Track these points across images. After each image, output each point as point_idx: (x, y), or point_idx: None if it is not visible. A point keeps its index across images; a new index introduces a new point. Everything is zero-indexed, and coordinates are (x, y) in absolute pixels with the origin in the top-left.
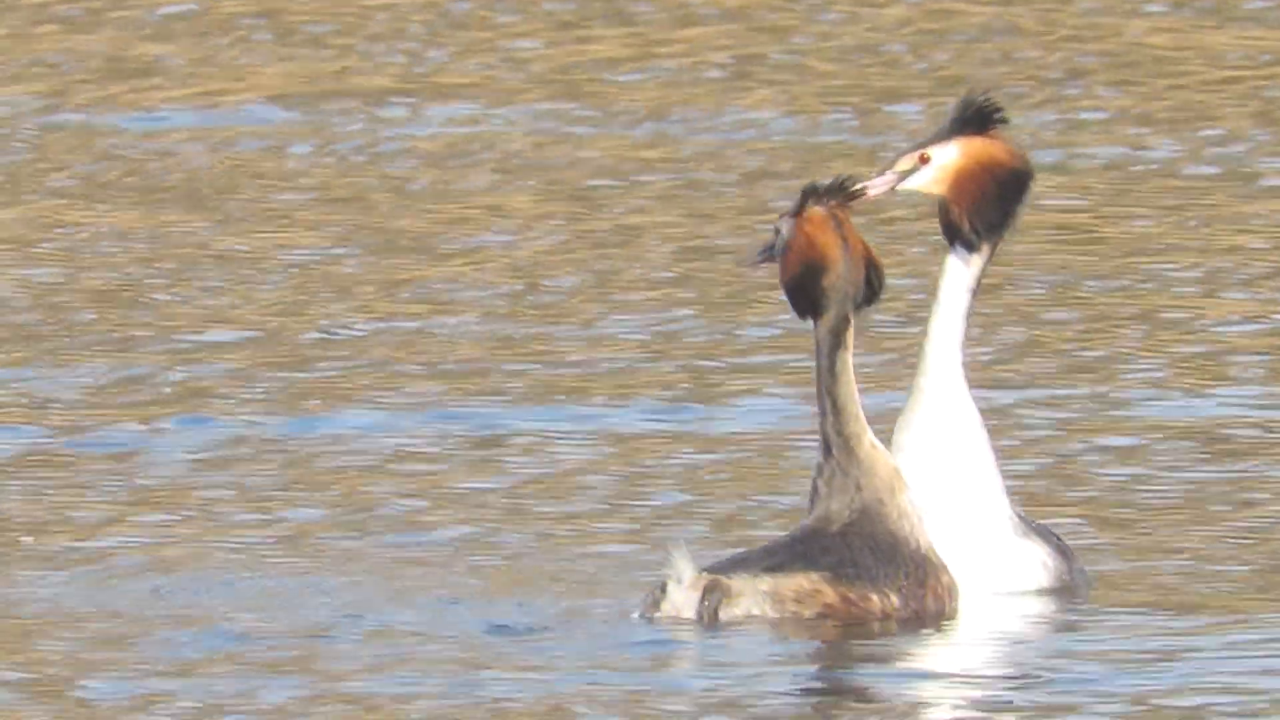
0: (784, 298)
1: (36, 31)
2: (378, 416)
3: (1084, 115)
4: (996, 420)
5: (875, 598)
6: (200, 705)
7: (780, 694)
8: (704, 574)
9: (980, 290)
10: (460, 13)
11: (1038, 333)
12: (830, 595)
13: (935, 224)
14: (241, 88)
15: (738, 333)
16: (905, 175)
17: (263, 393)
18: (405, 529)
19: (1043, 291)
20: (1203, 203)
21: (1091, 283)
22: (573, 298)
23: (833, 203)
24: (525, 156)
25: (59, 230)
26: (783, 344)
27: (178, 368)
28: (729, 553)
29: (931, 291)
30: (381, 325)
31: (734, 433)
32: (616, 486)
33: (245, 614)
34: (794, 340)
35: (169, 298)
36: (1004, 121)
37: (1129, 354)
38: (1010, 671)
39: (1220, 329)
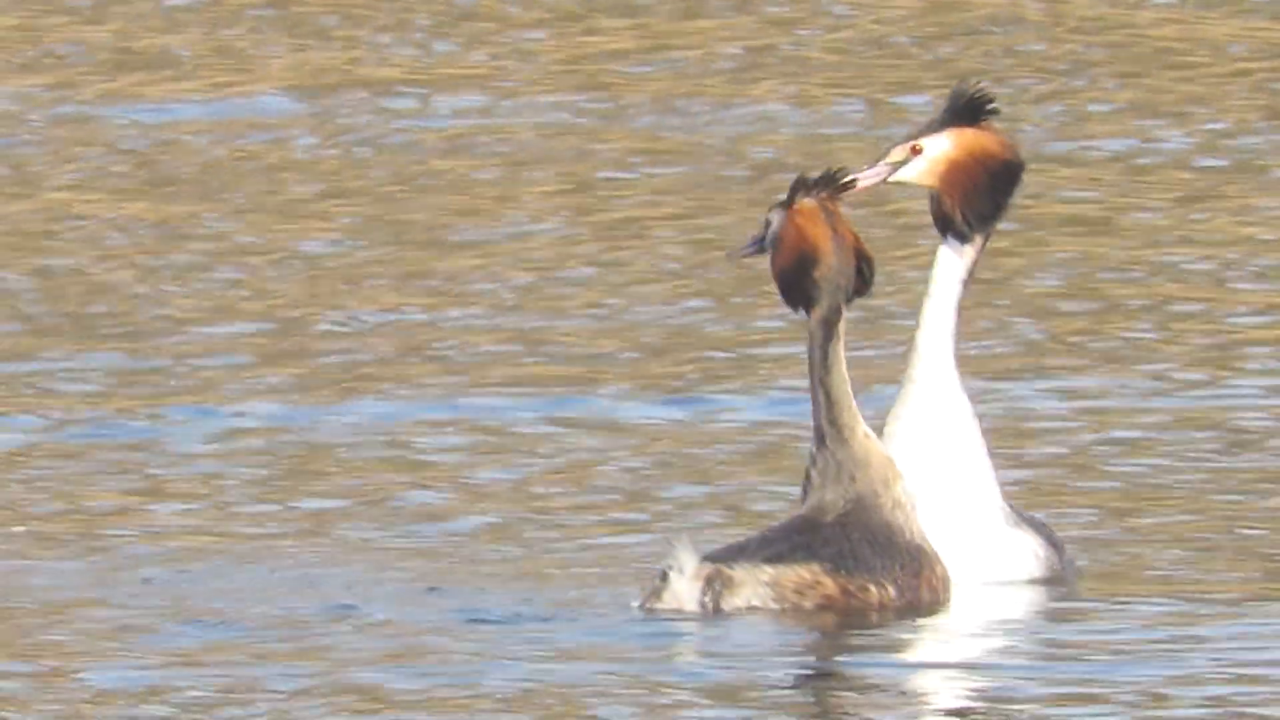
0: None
1: (45, 23)
2: (389, 407)
3: (1091, 108)
4: (1009, 411)
5: (873, 589)
6: (206, 694)
7: (778, 684)
8: (705, 564)
9: (972, 281)
10: (468, 4)
11: (1049, 324)
12: (830, 587)
13: None
14: (251, 79)
15: (748, 324)
16: (897, 166)
17: (273, 384)
18: (415, 519)
19: (1055, 283)
20: (1213, 195)
21: (1103, 274)
22: (583, 289)
23: (823, 194)
24: (534, 148)
25: (69, 221)
26: (792, 335)
27: (188, 358)
28: (726, 541)
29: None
30: (392, 316)
31: (746, 423)
32: (628, 477)
33: (253, 604)
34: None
35: (179, 289)
36: (995, 113)
37: (1140, 345)
38: (1014, 661)
39: (1231, 320)
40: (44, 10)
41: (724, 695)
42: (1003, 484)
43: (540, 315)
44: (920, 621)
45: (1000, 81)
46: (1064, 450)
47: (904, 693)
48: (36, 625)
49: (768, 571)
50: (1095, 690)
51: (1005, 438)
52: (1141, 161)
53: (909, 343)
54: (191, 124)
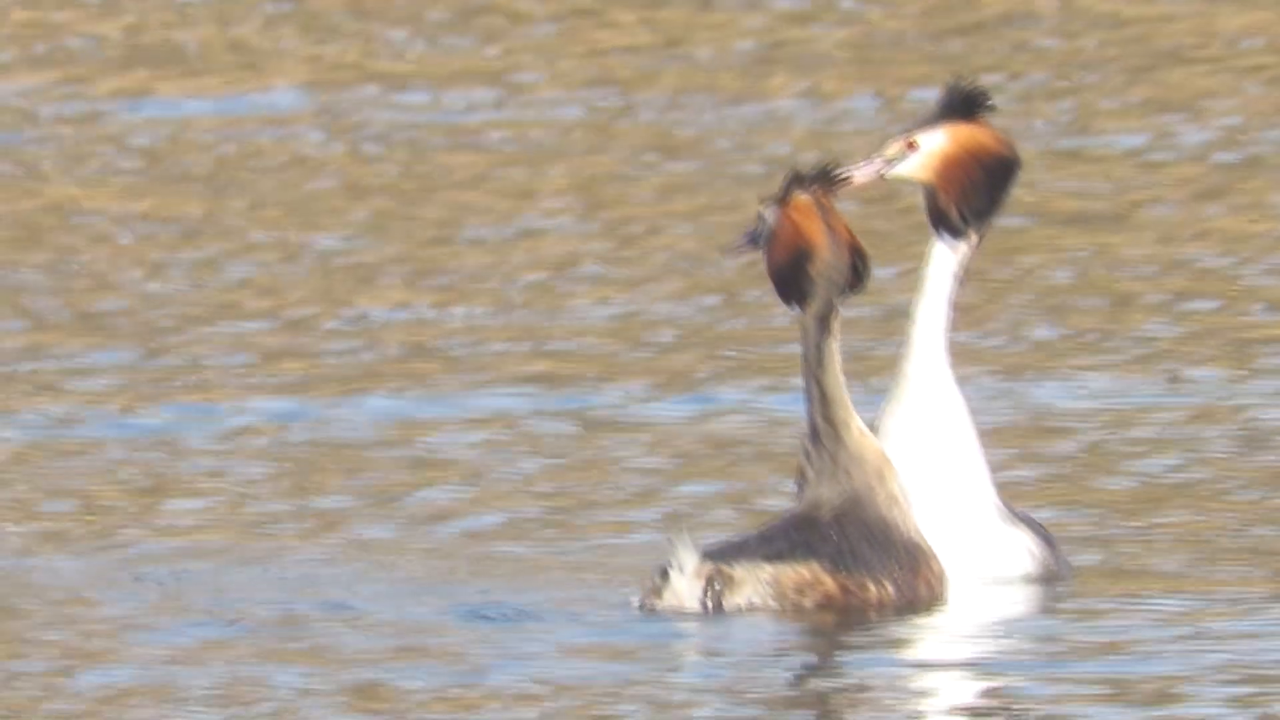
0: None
1: (57, 18)
2: (398, 405)
3: (1105, 103)
4: (1023, 408)
5: (872, 587)
6: (210, 693)
7: (778, 683)
8: (706, 563)
9: (966, 277)
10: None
11: (1063, 320)
12: (830, 585)
13: None
14: (263, 75)
15: (762, 320)
16: (892, 162)
17: (283, 381)
18: (423, 517)
19: (1069, 279)
20: (1228, 190)
21: (1117, 270)
22: (595, 285)
23: (817, 189)
24: (547, 144)
25: (79, 218)
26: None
27: (199, 355)
28: (723, 538)
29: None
30: (402, 314)
31: (759, 420)
32: (640, 474)
33: (259, 602)
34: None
35: (189, 285)
36: (991, 109)
37: (1155, 342)
38: (1019, 659)
39: (1247, 317)
40: (56, 5)
41: (723, 694)
42: (1016, 480)
43: (552, 312)
44: (922, 619)
45: (1016, 77)
46: (1078, 447)
47: (906, 691)
48: (44, 622)
49: (768, 570)
50: (1105, 689)
51: (1019, 434)
52: (1156, 157)
53: (903, 338)
54: (203, 120)
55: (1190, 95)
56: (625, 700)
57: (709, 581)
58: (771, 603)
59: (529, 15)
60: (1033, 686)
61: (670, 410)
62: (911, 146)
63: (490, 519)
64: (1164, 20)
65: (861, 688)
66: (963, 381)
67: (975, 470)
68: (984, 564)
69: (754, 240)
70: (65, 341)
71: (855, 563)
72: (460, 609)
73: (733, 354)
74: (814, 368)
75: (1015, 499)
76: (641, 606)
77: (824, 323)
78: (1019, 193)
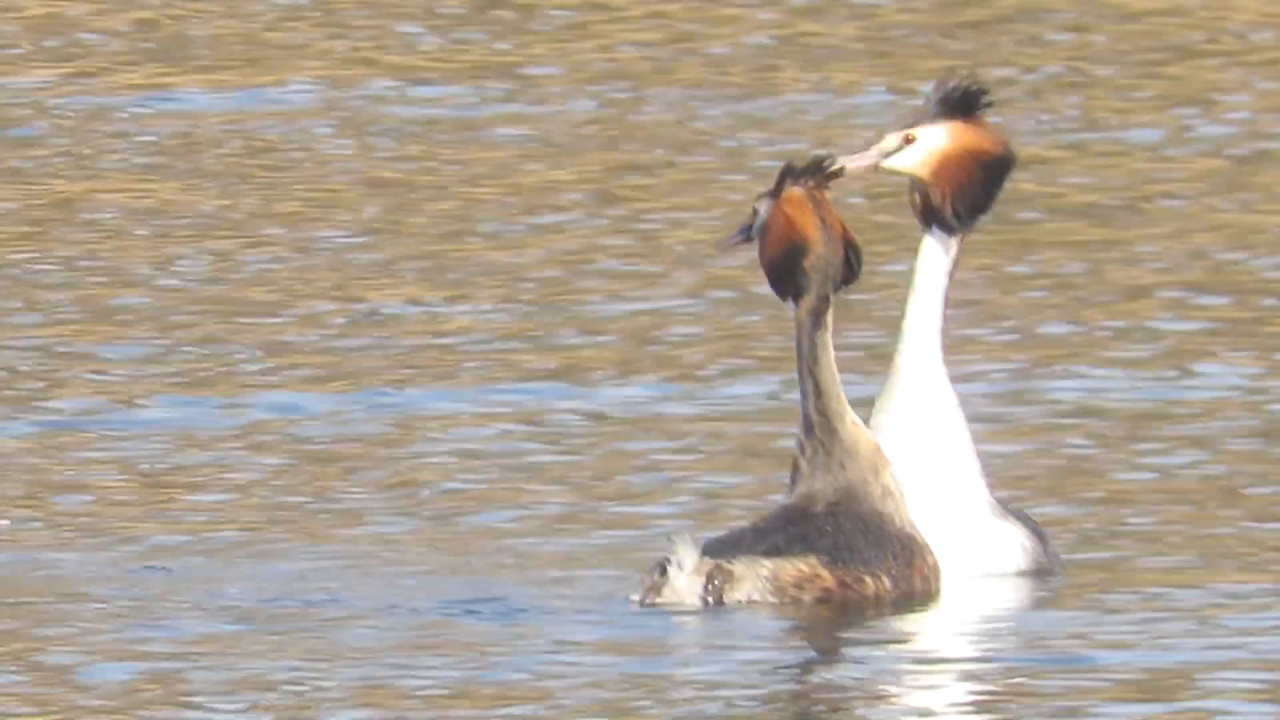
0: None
1: (70, 13)
2: (414, 398)
3: (1118, 96)
4: (1037, 401)
5: (869, 580)
6: (215, 687)
7: (775, 679)
8: (705, 560)
9: (956, 272)
10: None
11: (1076, 313)
12: (828, 580)
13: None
14: (276, 69)
15: (776, 314)
16: (889, 154)
17: (295, 375)
18: (439, 512)
19: (1081, 272)
20: (1240, 185)
21: (1130, 263)
22: (608, 280)
23: (810, 183)
24: (562, 138)
25: (91, 213)
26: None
27: (210, 348)
28: (721, 532)
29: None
30: (414, 309)
31: (773, 414)
32: (651, 468)
33: (272, 595)
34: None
35: (202, 279)
36: (989, 105)
37: (1168, 335)
38: (1020, 654)
39: (1262, 310)
40: None
41: (719, 688)
42: (1029, 475)
43: (566, 307)
44: (917, 613)
45: (1030, 70)
46: (1091, 441)
47: (902, 686)
48: (56, 616)
49: (766, 566)
50: (1107, 681)
51: (1031, 428)
52: (1169, 150)
53: (897, 334)
54: (216, 114)
55: (1203, 89)
56: (624, 695)
57: (709, 578)
58: (770, 598)
59: (541, 9)
60: (1029, 681)
61: (685, 405)
62: (909, 140)
63: (505, 513)
64: (1177, 13)
65: (855, 683)
66: (975, 376)
67: (967, 466)
68: (976, 559)
69: (747, 234)
70: (78, 335)
71: (852, 556)
72: (471, 603)
73: (748, 348)
74: (808, 361)
75: (1023, 494)
76: (642, 603)
77: (817, 316)
78: (1032, 187)
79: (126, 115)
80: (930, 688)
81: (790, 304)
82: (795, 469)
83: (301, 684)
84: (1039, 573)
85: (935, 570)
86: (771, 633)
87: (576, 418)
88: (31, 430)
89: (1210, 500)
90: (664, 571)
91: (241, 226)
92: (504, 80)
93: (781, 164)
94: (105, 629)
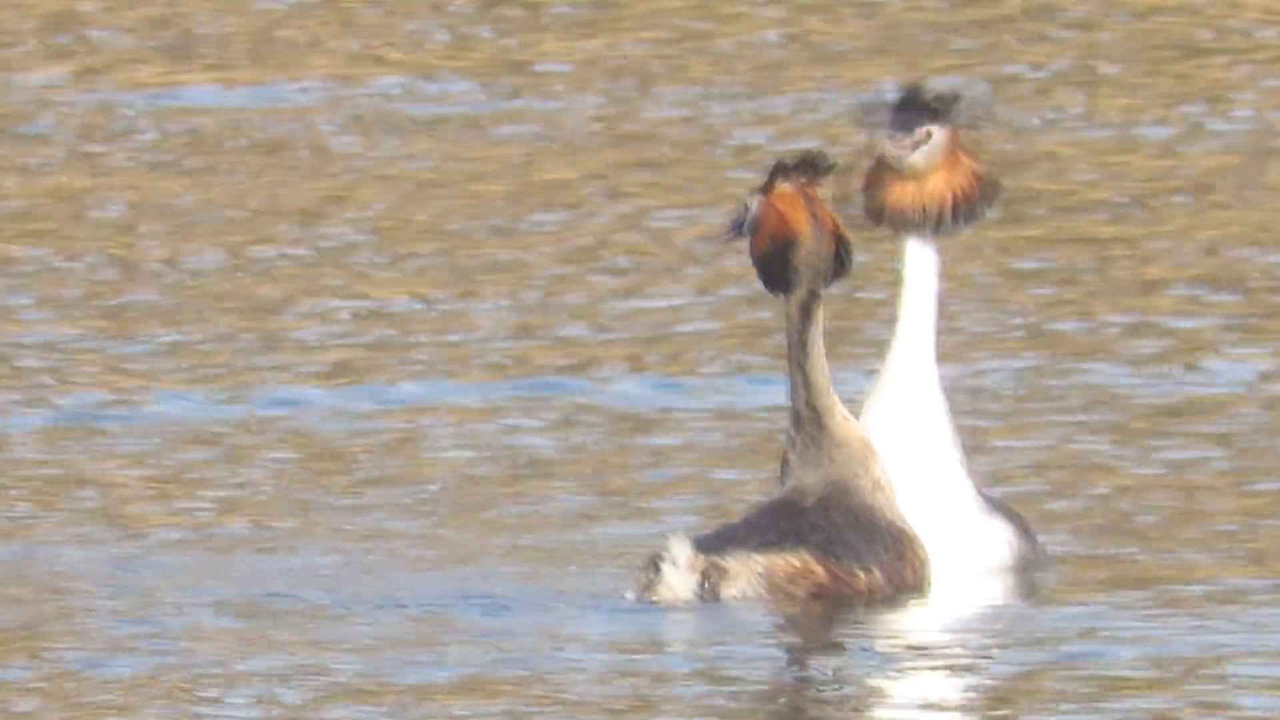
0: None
1: (80, 9)
2: (422, 392)
3: (1124, 94)
4: (1047, 393)
5: (861, 574)
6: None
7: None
8: (699, 556)
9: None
10: None
11: (1087, 308)
12: (821, 574)
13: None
14: (285, 66)
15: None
16: (919, 144)
17: (304, 370)
18: (433, 507)
19: (1091, 269)
20: (1253, 179)
21: (1143, 260)
22: (616, 276)
23: (802, 179)
24: (570, 135)
25: (101, 208)
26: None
27: (222, 343)
28: (713, 526)
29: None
30: (426, 304)
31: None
32: (659, 464)
33: (279, 590)
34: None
35: (210, 274)
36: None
37: (1180, 332)
38: (1016, 648)
39: (1273, 304)
40: None
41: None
42: (1040, 468)
43: (575, 303)
44: (908, 607)
45: (1038, 67)
46: (1103, 434)
47: (892, 681)
48: (57, 609)
49: (760, 561)
50: (1111, 675)
51: (1042, 422)
52: (1179, 147)
53: (890, 332)
54: (224, 111)
55: (1212, 86)
56: (618, 690)
57: (704, 575)
58: (764, 593)
59: (549, 6)
60: (1026, 675)
61: (694, 401)
62: (928, 135)
63: (514, 509)
64: (1185, 11)
65: (850, 677)
66: (985, 373)
67: (951, 463)
68: (961, 555)
69: (739, 229)
70: (86, 330)
71: (844, 550)
72: (471, 599)
73: (758, 344)
74: (797, 355)
75: (1034, 488)
76: (637, 600)
77: (807, 311)
78: (1041, 184)
79: (136, 112)
80: (925, 681)
81: (781, 298)
82: (784, 462)
83: (303, 679)
84: (1026, 568)
85: (925, 562)
86: (764, 627)
87: (585, 414)
88: (40, 424)
89: (1221, 495)
90: (658, 568)
91: (250, 222)
92: (513, 77)
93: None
94: (111, 623)
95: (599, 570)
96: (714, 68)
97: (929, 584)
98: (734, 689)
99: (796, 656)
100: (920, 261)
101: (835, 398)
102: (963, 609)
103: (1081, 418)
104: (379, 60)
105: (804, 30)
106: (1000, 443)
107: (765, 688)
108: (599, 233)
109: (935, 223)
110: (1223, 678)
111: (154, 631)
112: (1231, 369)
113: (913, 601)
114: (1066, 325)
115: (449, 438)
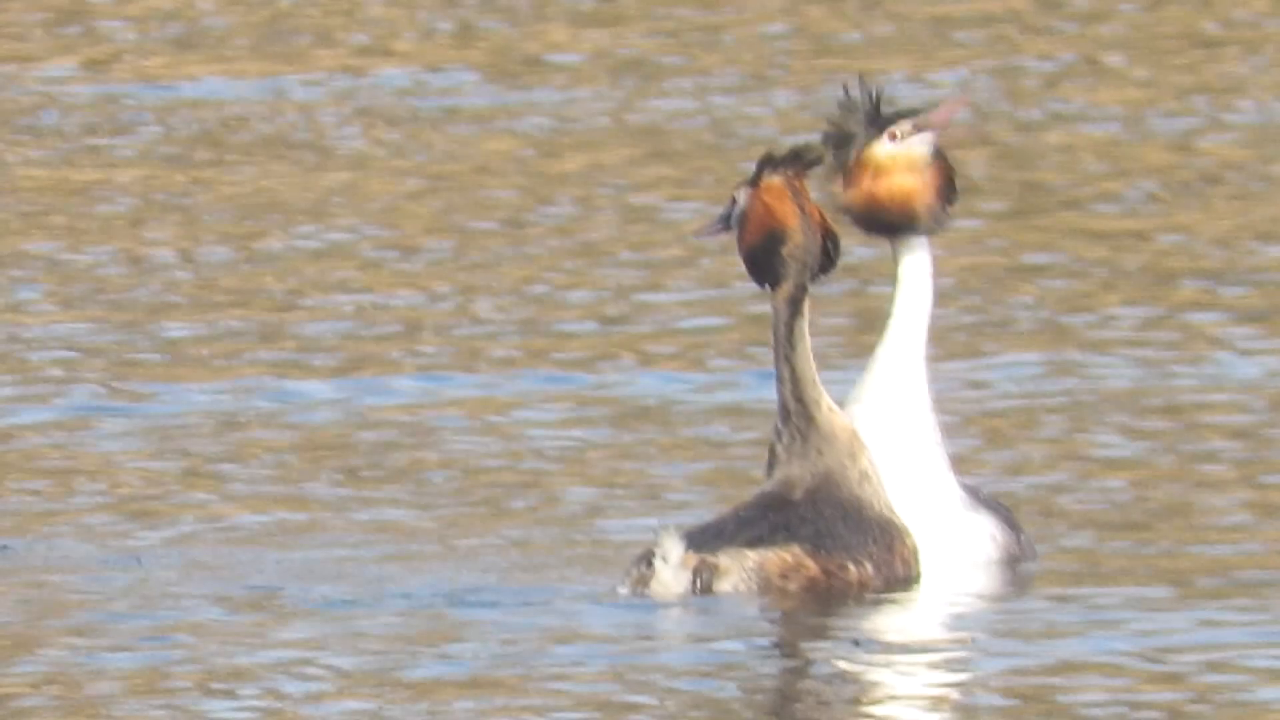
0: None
1: (88, 1)
2: (431, 387)
3: (1130, 87)
4: (1053, 389)
5: (852, 567)
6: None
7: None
8: (691, 553)
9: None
10: None
11: (1099, 302)
12: (813, 568)
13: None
14: (291, 58)
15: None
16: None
17: (312, 364)
18: (434, 503)
19: (1102, 262)
20: (1264, 172)
21: (1153, 254)
22: (621, 272)
23: (790, 172)
24: (576, 127)
25: (109, 203)
26: (827, 315)
27: (231, 337)
28: (702, 520)
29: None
30: (433, 297)
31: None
32: (674, 458)
33: (289, 583)
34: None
35: (221, 267)
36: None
37: (1193, 324)
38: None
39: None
40: None
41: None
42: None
43: (582, 297)
44: (904, 600)
45: (1044, 58)
46: (1114, 428)
47: (884, 674)
48: (64, 603)
49: (751, 557)
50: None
51: (1051, 416)
52: (1190, 140)
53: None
54: (231, 103)
55: (1222, 78)
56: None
57: (696, 572)
58: (756, 588)
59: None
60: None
61: (703, 395)
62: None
63: (521, 502)
64: (1194, 1)
65: (844, 671)
66: (996, 366)
67: (935, 458)
68: (945, 550)
69: (726, 222)
70: (94, 322)
71: (834, 543)
72: (470, 595)
73: (768, 338)
74: (784, 348)
75: (1043, 480)
76: (630, 595)
77: (795, 304)
78: (1052, 176)
79: (144, 104)
80: (918, 676)
81: (768, 291)
82: (772, 455)
83: (307, 673)
84: (1011, 562)
85: (915, 553)
86: (757, 622)
87: (594, 406)
88: (49, 417)
89: (1232, 487)
90: (650, 564)
91: (258, 214)
92: (521, 69)
93: (761, 153)
94: (119, 616)
95: (606, 565)
96: (722, 59)
97: (919, 575)
98: (723, 681)
99: (789, 650)
100: (913, 259)
101: (822, 390)
102: (952, 603)
103: (1091, 412)
104: (387, 53)
105: (811, 21)
106: (1010, 436)
107: (756, 682)
108: (607, 226)
109: (933, 213)
110: (1231, 669)
111: (159, 625)
112: (1242, 362)
113: (905, 594)
114: (1076, 319)
115: (457, 431)
